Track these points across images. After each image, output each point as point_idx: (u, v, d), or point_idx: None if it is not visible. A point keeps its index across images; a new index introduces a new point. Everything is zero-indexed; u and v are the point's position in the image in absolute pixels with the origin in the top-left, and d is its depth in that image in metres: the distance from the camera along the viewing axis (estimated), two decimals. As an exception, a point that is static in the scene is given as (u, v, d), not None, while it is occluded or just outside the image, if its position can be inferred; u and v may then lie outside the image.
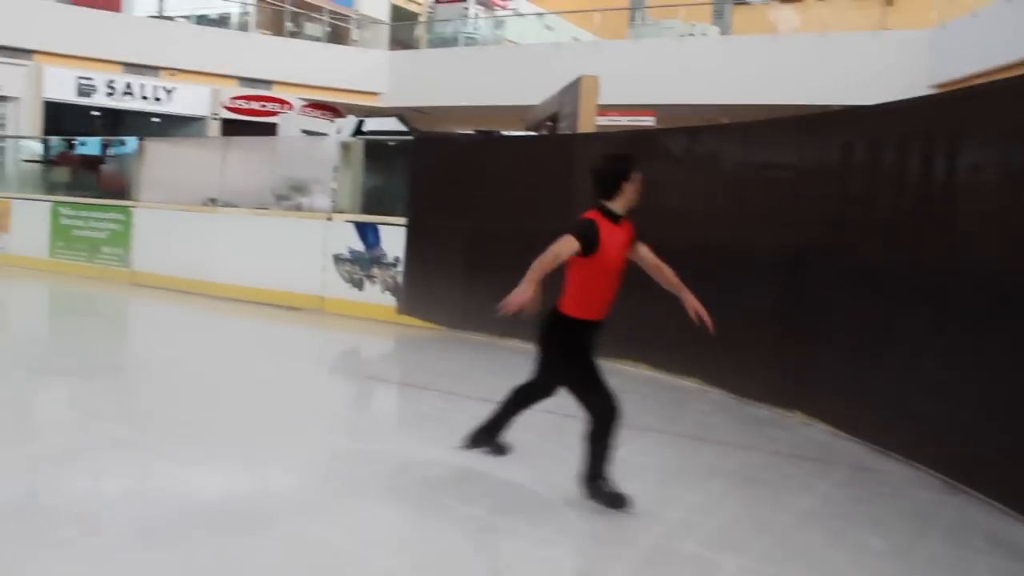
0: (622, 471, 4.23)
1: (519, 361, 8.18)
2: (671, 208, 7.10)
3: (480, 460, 4.65)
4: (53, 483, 4.22)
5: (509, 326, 8.83)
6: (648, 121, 18.95)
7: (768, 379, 6.51)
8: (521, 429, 4.69)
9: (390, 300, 10.03)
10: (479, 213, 9.19)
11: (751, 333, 6.49)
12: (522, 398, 4.56)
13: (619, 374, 7.37)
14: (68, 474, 4.35)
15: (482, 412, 4.72)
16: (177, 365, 7.31)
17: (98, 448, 4.76)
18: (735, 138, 7.38)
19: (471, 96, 23.13)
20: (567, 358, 4.23)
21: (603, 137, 9.14)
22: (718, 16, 23.89)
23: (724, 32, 23.33)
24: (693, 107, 19.29)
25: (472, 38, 25.96)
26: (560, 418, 4.81)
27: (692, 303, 4.33)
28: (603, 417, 4.11)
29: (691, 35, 22.04)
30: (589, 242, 4.05)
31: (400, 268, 9.92)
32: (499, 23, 27.03)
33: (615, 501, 4.10)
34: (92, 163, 15.22)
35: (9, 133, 19.82)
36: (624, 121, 18.31)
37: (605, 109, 12.39)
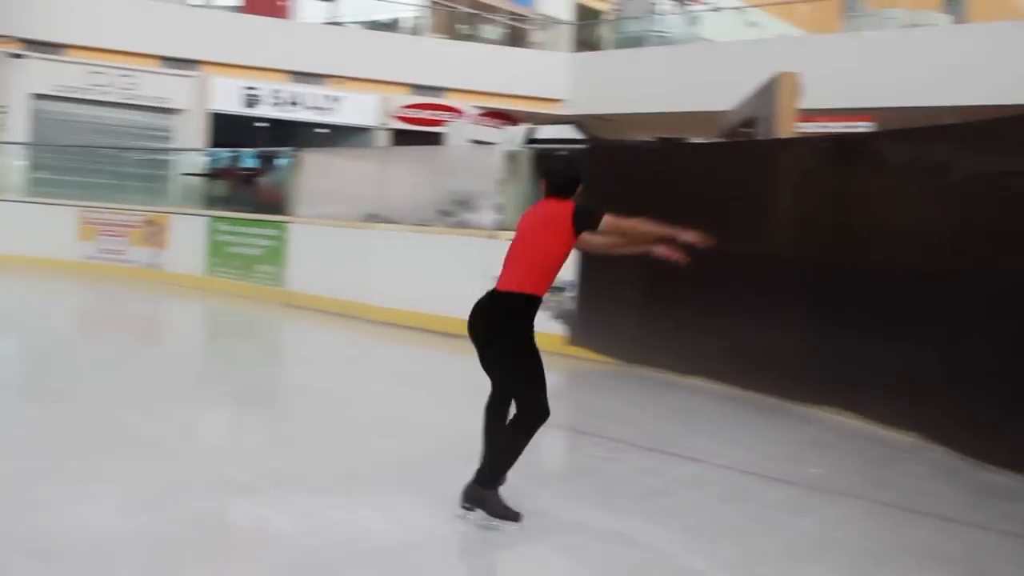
0: (806, 546, 3.78)
1: (698, 403, 7.86)
2: (885, 226, 6.52)
3: (632, 525, 4.29)
4: (215, 514, 4.30)
5: (693, 361, 8.52)
6: (864, 127, 18.02)
7: (1008, 437, 5.81)
8: (689, 486, 4.31)
9: (559, 329, 9.79)
10: (660, 231, 8.83)
11: (986, 378, 5.82)
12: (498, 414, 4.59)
13: (817, 423, 6.87)
14: (228, 507, 4.43)
15: (645, 463, 4.37)
16: (327, 394, 7.39)
17: (256, 480, 4.76)
18: (967, 141, 6.72)
19: (662, 101, 22.71)
20: (530, 345, 4.44)
21: (806, 142, 8.62)
22: (951, 2, 22.54)
23: (958, 20, 21.97)
24: (918, 110, 18.20)
25: (663, 37, 25.58)
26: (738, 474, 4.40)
27: (686, 236, 4.48)
28: (537, 417, 4.31)
29: (917, 25, 20.86)
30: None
31: (571, 293, 9.67)
32: (693, 20, 26.55)
33: (510, 514, 4.25)
34: (249, 176, 15.82)
35: (175, 145, 21.00)
36: (835, 128, 17.46)
37: (812, 114, 11.77)
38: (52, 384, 7.46)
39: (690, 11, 26.99)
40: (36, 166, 18.98)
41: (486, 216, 11.22)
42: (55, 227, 15.67)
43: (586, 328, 9.50)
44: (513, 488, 5.13)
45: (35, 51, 21.11)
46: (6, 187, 18.71)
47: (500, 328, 4.48)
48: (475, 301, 4.68)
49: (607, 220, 4.44)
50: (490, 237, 10.53)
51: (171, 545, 3.93)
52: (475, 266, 10.47)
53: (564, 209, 4.50)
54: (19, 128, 20.68)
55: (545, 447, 6.63)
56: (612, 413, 7.27)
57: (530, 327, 4.48)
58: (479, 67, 24.50)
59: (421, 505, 4.69)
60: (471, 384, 8.78)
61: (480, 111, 23.75)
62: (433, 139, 21.17)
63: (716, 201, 8.29)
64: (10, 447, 5.30)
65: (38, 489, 4.55)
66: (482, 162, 11.89)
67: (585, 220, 4.41)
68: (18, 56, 20.88)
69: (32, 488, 4.56)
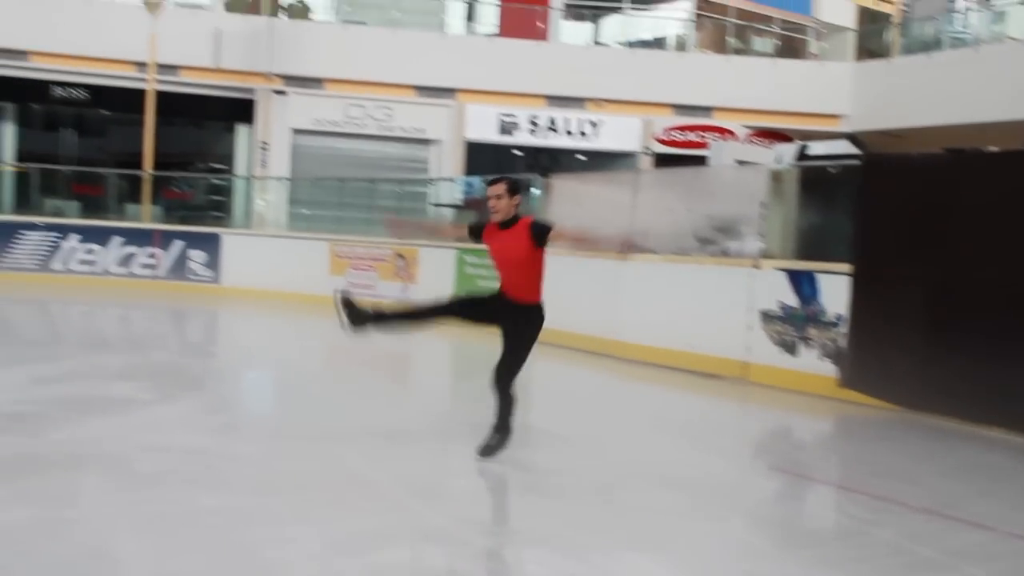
0: None
1: (992, 459, 7.12)
2: None
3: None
4: (411, 566, 4.29)
5: (989, 408, 7.74)
6: None
7: None
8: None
9: (829, 369, 9.21)
10: (949, 257, 8.06)
11: None
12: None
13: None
14: (426, 558, 4.39)
15: (917, 528, 3.90)
16: (567, 439, 7.26)
17: (460, 530, 4.70)
18: None
19: (958, 111, 21.26)
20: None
21: None
22: None
23: None
24: None
25: (960, 38, 24.03)
26: None
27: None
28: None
29: None
30: None
31: (843, 328, 9.07)
32: (997, 16, 24.77)
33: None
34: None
35: (430, 176, 21.76)
36: None
37: None
38: (282, 419, 7.73)
39: (994, 7, 25.21)
40: (293, 200, 20.17)
41: (749, 244, 10.79)
42: (309, 261, 16.52)
43: (859, 369, 8.83)
44: (757, 549, 4.76)
45: (296, 87, 22.53)
46: (266, 222, 20.02)
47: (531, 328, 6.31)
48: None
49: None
50: (754, 267, 10.10)
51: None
52: (737, 299, 10.07)
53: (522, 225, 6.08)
54: (279, 163, 22.11)
55: (801, 503, 6.17)
56: (885, 467, 6.67)
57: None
58: (750, 83, 23.90)
59: (660, 570, 4.41)
60: (729, 430, 8.48)
61: (750, 131, 23.17)
62: (698, 163, 20.81)
63: (1018, 217, 7.53)
64: (219, 483, 5.45)
65: (238, 528, 4.61)
66: (745, 183, 11.45)
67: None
68: (281, 93, 22.35)
69: (233, 527, 4.63)
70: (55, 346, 11.88)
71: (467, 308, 6.46)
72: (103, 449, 5.99)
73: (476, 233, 6.32)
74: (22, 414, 6.86)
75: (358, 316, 6.13)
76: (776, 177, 10.71)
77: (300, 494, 5.34)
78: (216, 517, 4.80)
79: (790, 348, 9.62)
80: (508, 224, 6.11)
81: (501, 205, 6.06)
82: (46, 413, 6.96)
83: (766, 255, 10.15)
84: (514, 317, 6.15)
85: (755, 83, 23.86)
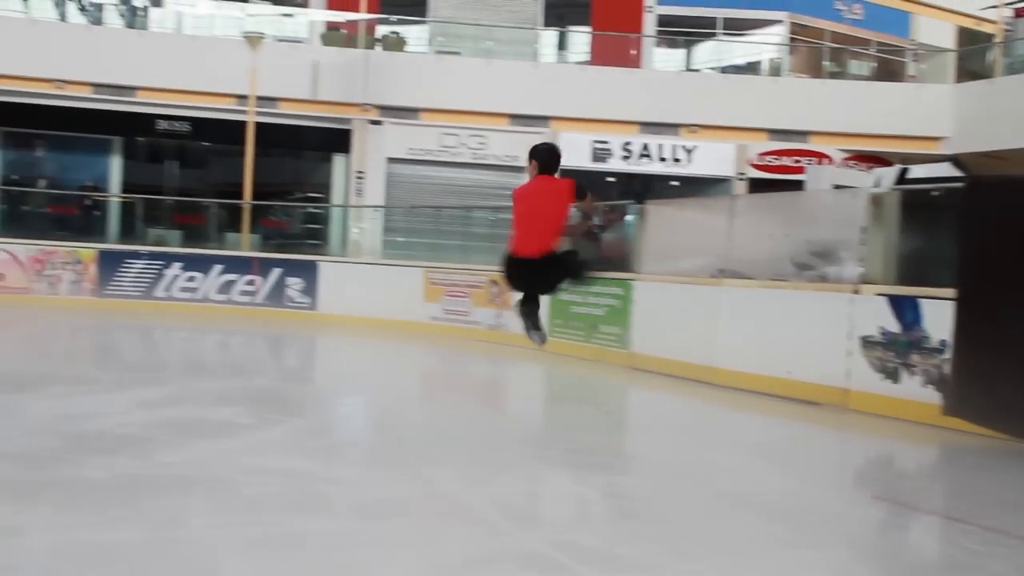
0: None
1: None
2: None
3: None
4: None
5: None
6: None
7: None
8: None
9: (933, 396, 8.98)
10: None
11: None
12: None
13: None
14: None
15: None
16: (662, 466, 7.21)
17: (564, 557, 4.70)
18: None
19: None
20: None
21: None
22: None
23: None
24: None
25: (1066, 58, 23.45)
26: None
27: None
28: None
29: None
30: None
31: (947, 355, 8.84)
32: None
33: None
34: (592, 231, 16.01)
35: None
36: None
37: None
38: (380, 443, 7.80)
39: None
40: (388, 228, 20.44)
41: (848, 269, 10.61)
42: (404, 288, 16.71)
43: (964, 395, 8.57)
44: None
45: (392, 117, 22.89)
46: (361, 250, 20.32)
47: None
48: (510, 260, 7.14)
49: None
50: (854, 292, 9.92)
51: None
52: (836, 325, 9.90)
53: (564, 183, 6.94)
54: (374, 192, 22.46)
55: (907, 533, 6.02)
56: (993, 497, 6.46)
57: None
58: (846, 107, 23.59)
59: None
60: (829, 458, 8.33)
61: (846, 155, 22.83)
62: (793, 188, 20.57)
63: None
64: (321, 506, 5.51)
65: (340, 552, 4.65)
66: (844, 208, 11.26)
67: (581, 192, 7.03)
68: (376, 123, 22.72)
69: (335, 550, 4.67)
70: (159, 371, 12.18)
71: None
72: (208, 472, 6.11)
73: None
74: (130, 437, 7.04)
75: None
76: (876, 201, 10.52)
77: (399, 519, 5.38)
78: (319, 540, 4.85)
79: (892, 375, 9.41)
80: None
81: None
82: (152, 436, 7.13)
83: (866, 280, 9.97)
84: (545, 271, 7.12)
85: (852, 106, 23.53)
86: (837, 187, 14.36)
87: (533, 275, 7.06)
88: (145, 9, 25.07)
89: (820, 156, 23.19)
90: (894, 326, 9.40)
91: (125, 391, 9.51)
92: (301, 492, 5.81)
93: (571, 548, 5.11)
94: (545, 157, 7.11)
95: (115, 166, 23.75)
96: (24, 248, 18.62)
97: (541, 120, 23.10)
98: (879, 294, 9.64)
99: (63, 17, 24.22)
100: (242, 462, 6.46)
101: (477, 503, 5.85)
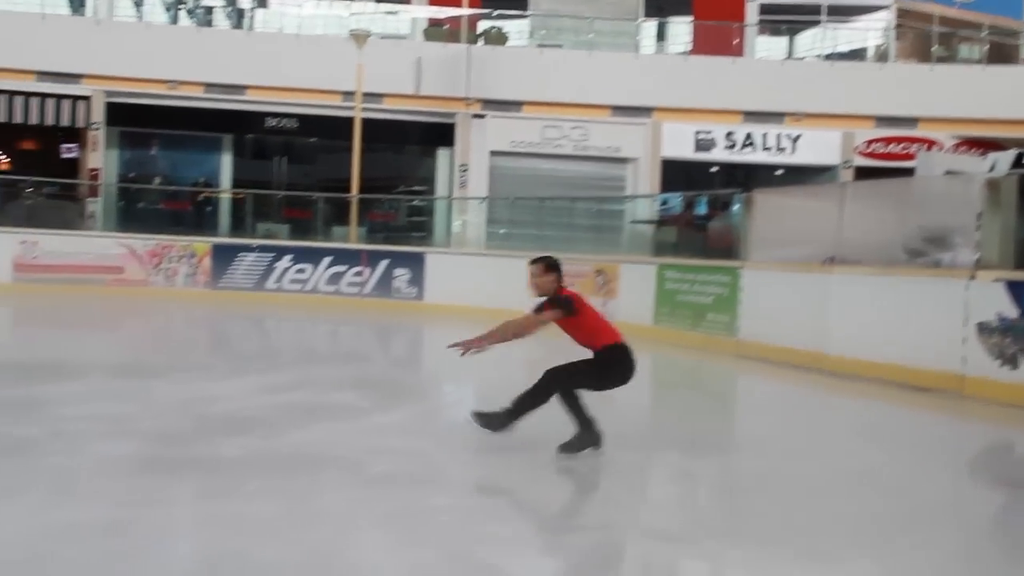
0: None
1: None
2: None
3: None
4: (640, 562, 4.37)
5: None
6: None
7: None
8: None
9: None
10: None
11: None
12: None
13: None
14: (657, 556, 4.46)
15: None
16: (773, 448, 7.23)
17: (685, 531, 4.79)
18: None
19: None
20: None
21: None
22: None
23: None
24: None
25: None
26: None
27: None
28: None
29: None
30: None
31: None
32: None
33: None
34: (697, 221, 16.03)
35: (625, 194, 21.90)
36: None
37: None
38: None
39: None
40: (492, 220, 20.64)
41: (963, 254, 10.44)
42: (509, 278, 16.82)
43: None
44: (984, 560, 4.67)
45: (494, 110, 23.10)
46: (466, 241, 20.58)
47: None
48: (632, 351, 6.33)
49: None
50: (970, 278, 9.76)
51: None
52: (951, 310, 9.76)
53: None
54: (478, 184, 22.70)
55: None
56: None
57: None
58: (957, 92, 23.06)
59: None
60: (946, 443, 8.22)
61: (957, 140, 22.34)
62: (902, 176, 20.22)
63: None
64: (445, 483, 5.68)
65: (467, 525, 4.84)
66: (957, 194, 11.11)
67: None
68: (479, 116, 22.95)
69: (462, 523, 4.86)
70: (275, 359, 12.55)
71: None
72: (335, 451, 6.34)
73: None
74: (255, 419, 7.31)
75: (493, 422, 6.28)
76: (992, 186, 10.33)
77: (519, 495, 5.56)
78: (445, 515, 5.03)
79: (1010, 361, 9.24)
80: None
81: (538, 282, 6.52)
82: (276, 419, 7.40)
83: (982, 266, 9.79)
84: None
85: (962, 91, 22.99)
86: (949, 173, 14.10)
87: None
88: (252, 10, 25.67)
89: (930, 143, 22.72)
90: (1012, 311, 9.22)
91: (245, 377, 9.85)
92: (424, 470, 6.02)
93: (690, 522, 5.23)
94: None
95: (225, 163, 24.41)
96: (142, 243, 19.26)
97: (643, 111, 23.09)
98: (996, 280, 9.47)
99: (174, 20, 24.98)
100: (365, 442, 6.70)
101: (595, 480, 5.99)
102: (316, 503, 5.05)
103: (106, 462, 5.72)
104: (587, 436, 6.18)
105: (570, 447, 6.14)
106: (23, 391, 8.16)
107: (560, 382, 6.20)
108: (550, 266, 6.50)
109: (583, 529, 4.86)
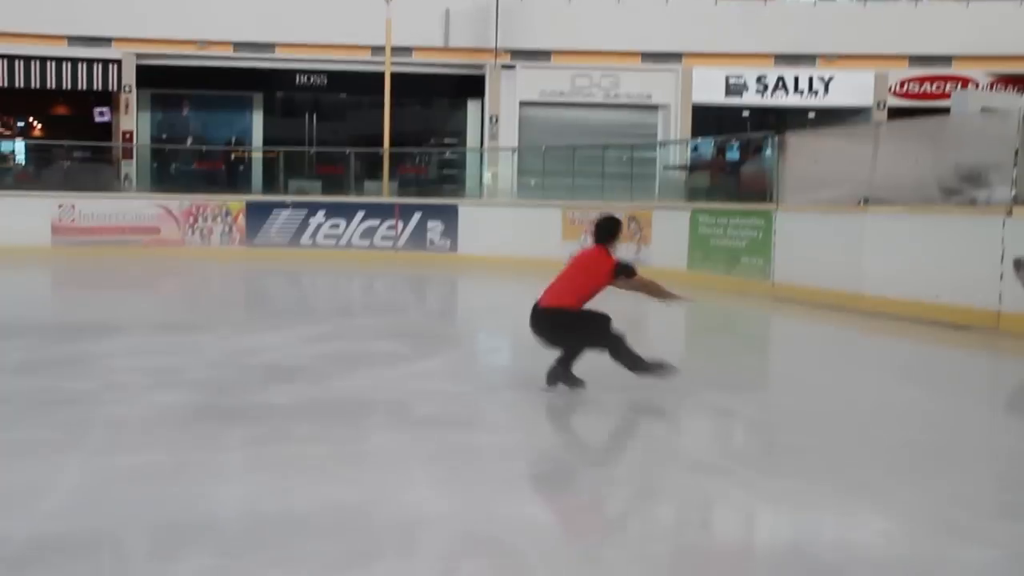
0: None
1: None
2: None
3: None
4: (685, 490, 4.50)
5: None
6: None
7: None
8: None
9: None
10: None
11: None
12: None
13: None
14: (698, 485, 4.59)
15: None
16: (807, 384, 7.34)
17: (727, 463, 4.91)
18: None
19: None
20: None
21: None
22: None
23: None
24: None
25: None
26: None
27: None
28: None
29: None
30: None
31: None
32: None
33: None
34: (730, 166, 16.00)
35: (657, 141, 21.86)
36: None
37: None
38: (532, 369, 8.09)
39: None
40: (523, 171, 20.68)
41: (999, 191, 10.41)
42: (542, 228, 16.95)
43: None
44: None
45: (523, 61, 23.05)
46: (498, 192, 20.65)
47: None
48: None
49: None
50: (1007, 214, 9.73)
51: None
52: (988, 248, 9.76)
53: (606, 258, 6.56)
54: (508, 135, 22.71)
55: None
56: None
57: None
58: (992, 28, 22.70)
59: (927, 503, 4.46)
60: (983, 380, 8.28)
61: (992, 78, 22.09)
62: (936, 115, 20.04)
63: None
64: (488, 423, 5.84)
65: (513, 461, 4.98)
66: (993, 131, 11.06)
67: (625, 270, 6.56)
68: (509, 67, 22.92)
69: (507, 459, 4.99)
70: (314, 312, 12.77)
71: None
72: (380, 395, 6.51)
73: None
74: (300, 368, 7.48)
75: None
76: (1031, 122, 10.26)
77: (561, 433, 5.72)
78: (490, 453, 5.18)
79: (1048, 297, 9.26)
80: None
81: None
82: (321, 367, 7.57)
83: (1019, 202, 9.77)
84: None
85: (998, 28, 22.63)
86: (985, 110, 13.99)
87: (538, 324, 6.47)
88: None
89: (964, 81, 22.47)
90: (1049, 247, 9.23)
91: (287, 329, 10.01)
92: (467, 411, 6.19)
93: (729, 455, 5.36)
94: (595, 228, 6.82)
95: (256, 121, 24.51)
96: (177, 203, 19.47)
97: (673, 57, 22.95)
98: (1036, 216, 9.47)
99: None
100: (408, 387, 6.85)
101: (630, 418, 6.12)
102: (364, 445, 5.22)
103: (159, 411, 5.89)
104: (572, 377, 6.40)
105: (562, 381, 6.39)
106: (73, 348, 8.36)
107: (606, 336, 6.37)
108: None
109: (623, 464, 4.99)
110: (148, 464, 4.74)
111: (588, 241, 6.94)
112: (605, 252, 6.62)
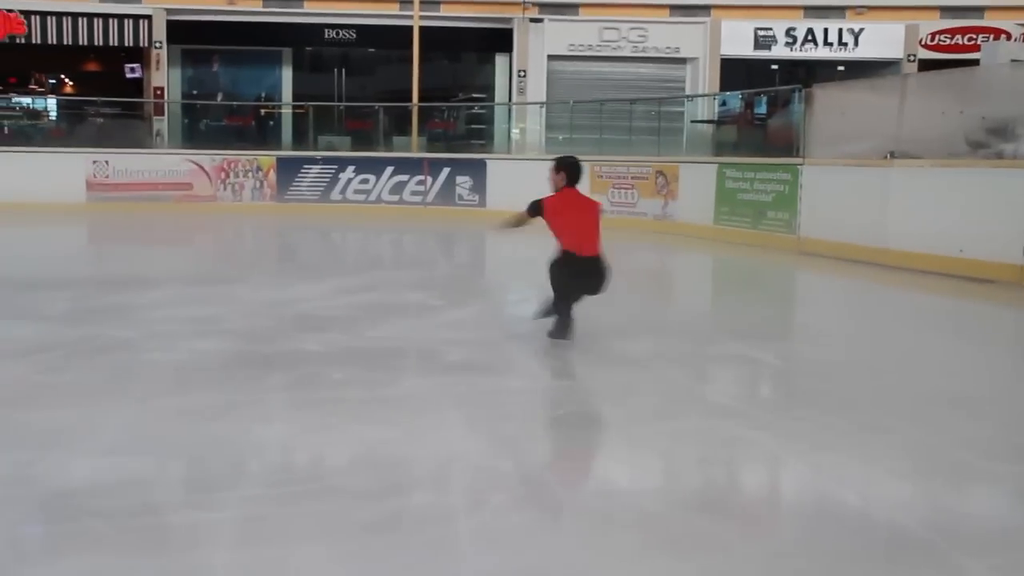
0: None
1: None
2: None
3: None
4: (702, 433, 4.65)
5: None
6: None
7: None
8: None
9: None
10: None
11: None
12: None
13: None
14: (715, 427, 4.76)
15: None
16: (826, 335, 7.50)
17: (742, 407, 5.10)
18: None
19: None
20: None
21: None
22: None
23: None
24: None
25: None
26: None
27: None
28: None
29: None
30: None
31: None
32: None
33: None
34: (757, 120, 16.03)
35: (685, 95, 21.86)
36: None
37: None
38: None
39: None
40: (551, 126, 20.76)
41: (1026, 144, 10.45)
42: (570, 183, 17.05)
43: None
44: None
45: (552, 14, 23.05)
46: (526, 147, 20.76)
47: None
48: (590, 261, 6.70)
49: None
50: (1034, 169, 9.80)
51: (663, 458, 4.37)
52: (1015, 201, 9.84)
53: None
54: (536, 90, 22.77)
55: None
56: None
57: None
58: (1027, -22, 22.49)
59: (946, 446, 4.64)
60: (1003, 333, 8.40)
61: (1025, 29, 21.89)
62: (967, 67, 19.93)
63: None
64: (519, 369, 6.05)
65: (545, 406, 5.19)
66: (1023, 83, 11.08)
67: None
68: (537, 21, 22.93)
69: (540, 404, 5.22)
70: (345, 265, 13.04)
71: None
72: (412, 344, 6.75)
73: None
74: (336, 317, 7.74)
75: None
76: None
77: (587, 379, 5.94)
78: (521, 396, 5.41)
79: (1073, 250, 9.35)
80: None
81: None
82: (354, 317, 7.82)
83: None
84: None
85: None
86: (1015, 62, 13.93)
87: (600, 273, 6.69)
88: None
89: (997, 32, 22.28)
90: (1075, 200, 9.30)
91: (320, 281, 10.22)
92: (498, 358, 6.41)
93: (749, 400, 5.56)
94: (574, 171, 7.16)
95: (286, 77, 24.67)
96: (209, 159, 19.72)
97: (702, 9, 22.89)
98: (1059, 168, 9.53)
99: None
100: (440, 335, 7.07)
101: (654, 366, 6.31)
102: (397, 389, 5.44)
103: (200, 356, 6.15)
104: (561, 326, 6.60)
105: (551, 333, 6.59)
106: (113, 299, 8.61)
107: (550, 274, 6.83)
108: (555, 167, 7.15)
109: (646, 408, 5.17)
110: (194, 404, 4.99)
111: (562, 182, 7.11)
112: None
